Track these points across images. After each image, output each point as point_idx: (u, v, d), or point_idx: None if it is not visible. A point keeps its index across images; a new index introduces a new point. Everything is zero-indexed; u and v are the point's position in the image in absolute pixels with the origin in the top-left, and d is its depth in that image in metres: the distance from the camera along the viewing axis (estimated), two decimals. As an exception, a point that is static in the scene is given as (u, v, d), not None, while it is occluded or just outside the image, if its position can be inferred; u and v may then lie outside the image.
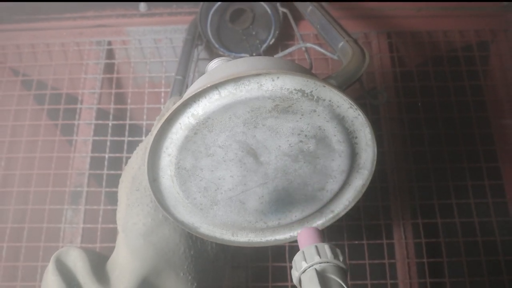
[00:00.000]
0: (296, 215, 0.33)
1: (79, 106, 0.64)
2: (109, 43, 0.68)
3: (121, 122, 0.63)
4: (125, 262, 0.34)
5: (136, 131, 0.64)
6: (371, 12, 0.66)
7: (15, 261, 0.57)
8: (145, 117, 0.63)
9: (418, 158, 0.59)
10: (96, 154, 0.61)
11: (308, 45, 0.41)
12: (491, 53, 0.65)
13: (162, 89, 0.64)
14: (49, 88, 0.65)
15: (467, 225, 0.55)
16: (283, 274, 0.54)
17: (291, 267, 0.28)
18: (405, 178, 0.58)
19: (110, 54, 0.69)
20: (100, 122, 0.63)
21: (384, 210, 0.57)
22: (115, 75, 0.66)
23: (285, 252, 0.54)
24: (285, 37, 0.66)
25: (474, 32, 0.65)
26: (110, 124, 0.62)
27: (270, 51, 0.66)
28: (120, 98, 0.67)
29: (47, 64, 0.67)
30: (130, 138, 0.61)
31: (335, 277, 0.25)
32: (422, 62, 0.64)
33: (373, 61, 0.65)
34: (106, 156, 0.61)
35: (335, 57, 0.38)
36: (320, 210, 0.34)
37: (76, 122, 0.63)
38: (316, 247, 0.27)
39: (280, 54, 0.42)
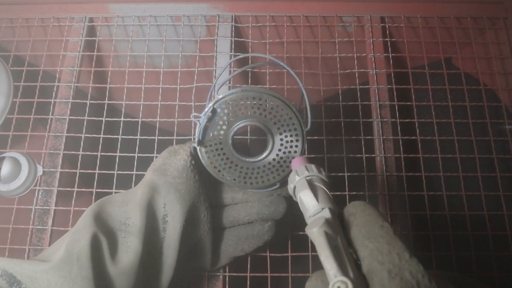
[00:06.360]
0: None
1: (56, 83, 0.61)
2: (91, 19, 0.65)
3: (99, 101, 0.60)
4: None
5: (115, 111, 0.61)
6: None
7: None
8: (124, 97, 0.60)
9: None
10: (72, 134, 0.59)
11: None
12: (488, 41, 0.62)
13: (144, 69, 0.61)
14: (26, 65, 0.62)
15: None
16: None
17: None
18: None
19: (91, 31, 0.66)
20: (77, 101, 0.60)
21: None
22: (95, 53, 0.63)
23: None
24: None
25: (471, 19, 0.62)
26: (88, 104, 0.60)
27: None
28: (100, 77, 0.65)
29: (26, 39, 0.64)
30: (108, 119, 0.59)
31: (319, 184, 0.34)
32: (417, 49, 0.61)
33: (365, 46, 0.62)
34: (82, 136, 0.58)
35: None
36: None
37: (52, 101, 0.60)
38: (305, 166, 0.36)
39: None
